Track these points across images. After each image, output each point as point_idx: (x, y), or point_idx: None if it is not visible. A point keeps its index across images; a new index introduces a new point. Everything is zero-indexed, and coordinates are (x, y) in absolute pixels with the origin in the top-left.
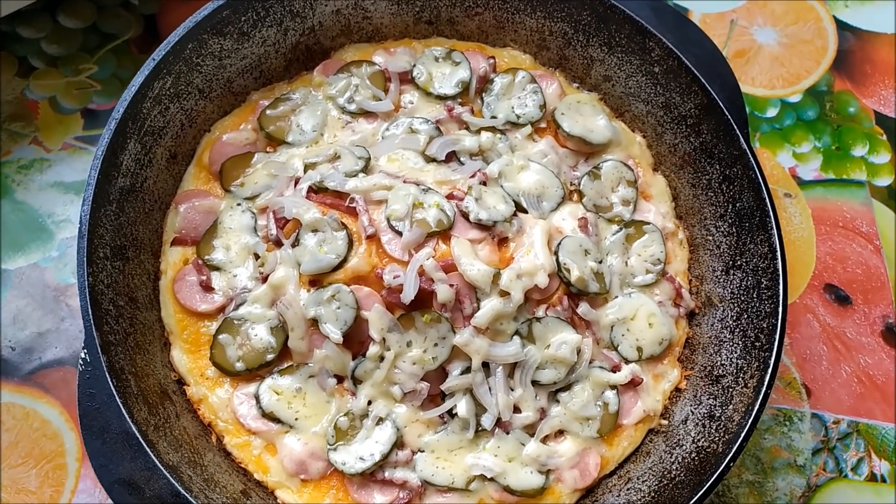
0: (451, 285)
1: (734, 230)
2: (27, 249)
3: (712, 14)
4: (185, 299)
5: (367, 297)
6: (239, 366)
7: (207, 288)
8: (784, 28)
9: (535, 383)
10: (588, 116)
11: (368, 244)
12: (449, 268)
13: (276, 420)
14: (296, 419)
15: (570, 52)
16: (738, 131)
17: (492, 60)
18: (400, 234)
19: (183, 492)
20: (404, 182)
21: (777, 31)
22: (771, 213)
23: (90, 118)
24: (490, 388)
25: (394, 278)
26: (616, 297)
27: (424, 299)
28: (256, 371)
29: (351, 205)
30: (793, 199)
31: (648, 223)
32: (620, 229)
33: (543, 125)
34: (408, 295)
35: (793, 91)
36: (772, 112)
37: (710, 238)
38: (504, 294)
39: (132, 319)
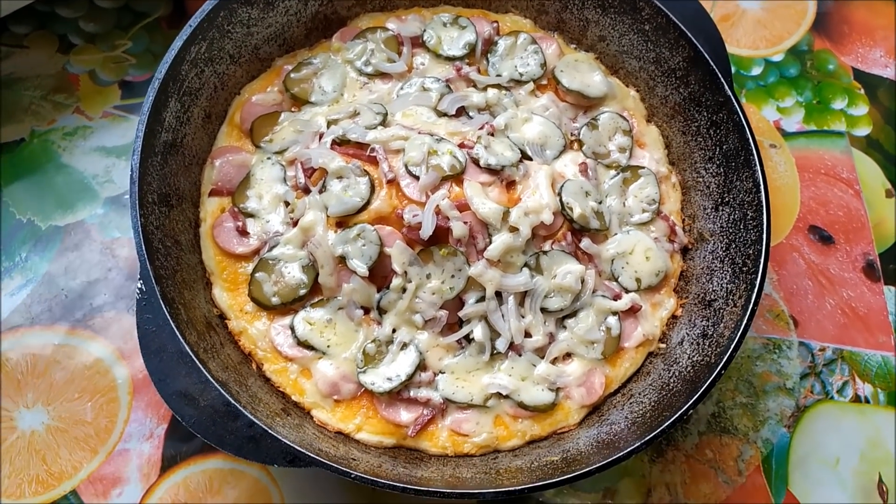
0: (465, 222)
1: (721, 170)
2: (75, 208)
3: None
4: (224, 243)
5: (389, 234)
6: (275, 300)
7: (243, 233)
8: None
9: (543, 310)
10: (585, 73)
11: (389, 188)
12: (463, 207)
13: (310, 347)
14: (328, 346)
15: (566, 16)
16: (722, 80)
17: (495, 24)
18: (417, 178)
19: (233, 401)
20: (419, 133)
21: None
22: (754, 152)
23: (127, 89)
24: (503, 315)
25: (413, 217)
26: (615, 234)
27: (441, 236)
28: (290, 305)
29: (371, 154)
30: (778, 150)
31: (643, 167)
32: (618, 174)
33: (544, 82)
34: (426, 231)
35: (775, 51)
36: (756, 70)
37: (700, 180)
38: (513, 230)
39: (178, 259)
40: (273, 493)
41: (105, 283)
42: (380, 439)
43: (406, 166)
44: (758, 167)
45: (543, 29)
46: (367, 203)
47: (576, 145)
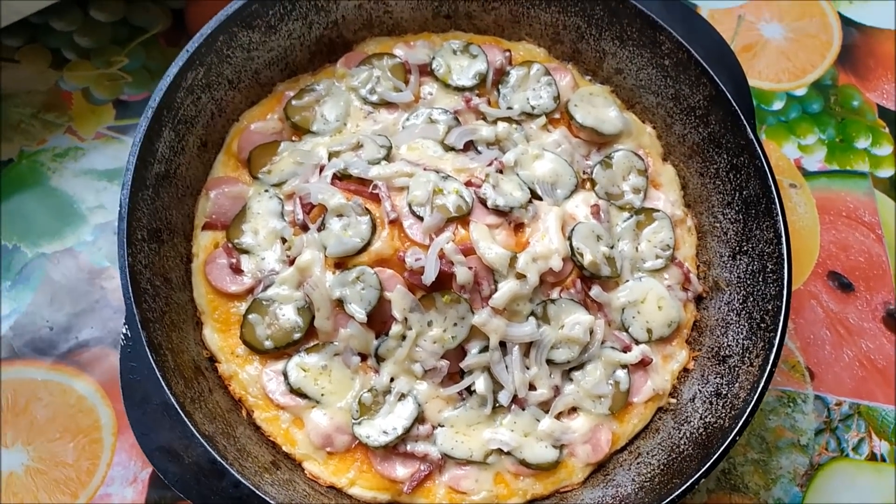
0: (470, 268)
1: (741, 217)
2: (62, 234)
3: (720, 10)
4: (216, 280)
5: (389, 278)
6: (268, 344)
7: (237, 270)
8: (790, 23)
9: (549, 362)
10: (600, 108)
11: (391, 228)
12: (468, 251)
13: (303, 395)
14: (322, 395)
15: (582, 46)
16: (744, 122)
17: (508, 53)
18: (421, 218)
19: (219, 459)
20: (424, 170)
21: (783, 26)
22: (776, 200)
23: (122, 108)
24: (507, 367)
25: (415, 261)
26: (627, 280)
27: (444, 281)
28: (284, 349)
29: (374, 191)
30: (798, 190)
31: (658, 210)
32: (631, 216)
33: (557, 116)
34: (429, 276)
35: (798, 85)
36: (778, 105)
37: (718, 225)
38: (520, 276)
39: (167, 299)
40: None
41: (92, 315)
42: (374, 495)
43: (410, 206)
44: (780, 217)
45: (558, 59)
46: (368, 244)
47: (588, 185)
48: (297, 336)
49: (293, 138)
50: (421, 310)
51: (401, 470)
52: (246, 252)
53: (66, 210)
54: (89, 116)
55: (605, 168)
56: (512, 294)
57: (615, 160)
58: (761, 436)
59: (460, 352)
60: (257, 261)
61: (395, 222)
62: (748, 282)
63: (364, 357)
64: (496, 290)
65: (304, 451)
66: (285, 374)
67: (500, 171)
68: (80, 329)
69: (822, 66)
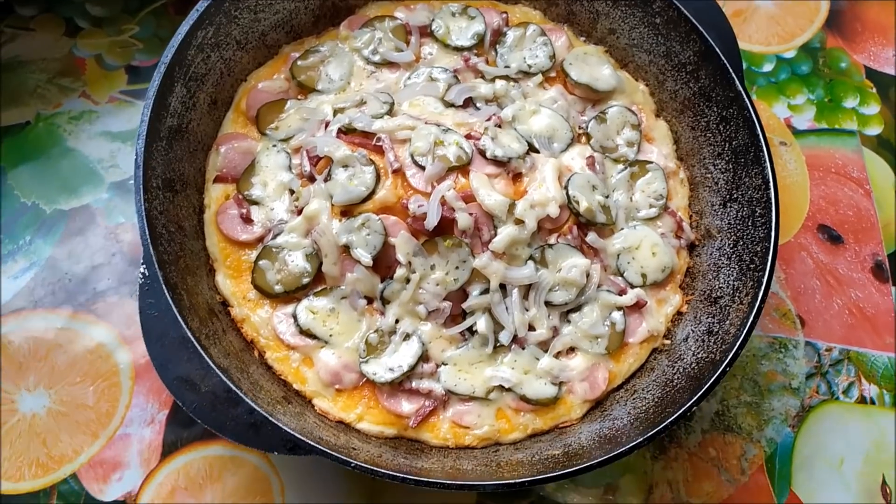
0: (471, 214)
1: (730, 166)
2: (79, 192)
3: None
4: (228, 230)
5: (393, 224)
6: (278, 288)
7: (247, 220)
8: None
9: (548, 304)
10: (594, 66)
11: (394, 178)
12: (468, 198)
13: (313, 336)
14: (330, 335)
15: (576, 8)
16: (733, 75)
17: (504, 15)
18: (423, 168)
19: (234, 388)
20: (426, 123)
21: None
22: (764, 148)
23: (133, 74)
24: (507, 308)
25: (418, 207)
26: (622, 228)
27: (446, 227)
28: (293, 293)
29: (377, 143)
30: (788, 147)
31: (651, 162)
32: (625, 168)
33: (553, 75)
34: (431, 222)
35: (787, 48)
36: (768, 67)
37: (709, 176)
38: (519, 222)
39: (182, 245)
40: (273, 482)
41: (109, 267)
42: (381, 429)
43: (412, 156)
44: (767, 164)
45: (553, 21)
46: (373, 192)
47: (584, 139)
48: (305, 281)
49: (299, 97)
50: (424, 254)
51: (406, 405)
52: (256, 203)
53: (83, 169)
54: (102, 81)
55: (600, 123)
56: (511, 238)
57: (609, 115)
58: (754, 380)
59: (462, 294)
60: (267, 211)
61: (399, 172)
62: (738, 227)
63: (370, 300)
64: (496, 234)
65: (313, 388)
66: (295, 317)
67: (499, 126)
68: (97, 280)
69: (811, 29)
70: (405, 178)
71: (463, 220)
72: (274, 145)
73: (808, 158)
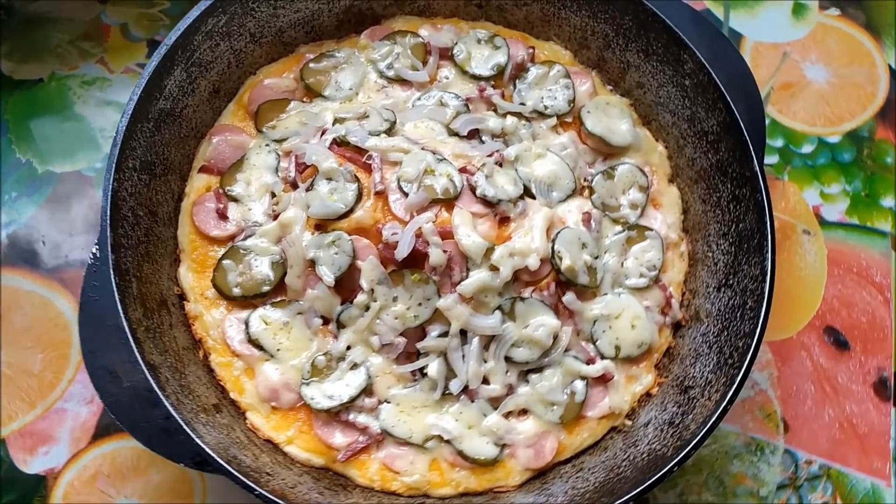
0: (445, 251)
1: (733, 249)
2: (75, 158)
3: (766, 43)
4: (201, 222)
5: (364, 248)
6: (236, 291)
7: (223, 216)
8: (836, 69)
9: (508, 359)
10: (613, 118)
11: (376, 199)
12: (446, 235)
13: (260, 347)
14: (277, 350)
15: (608, 55)
16: (753, 153)
17: (531, 50)
18: (407, 194)
19: (156, 388)
20: (422, 149)
21: (828, 70)
22: (769, 238)
23: (154, 48)
24: (463, 356)
25: (392, 235)
26: (605, 294)
27: (417, 260)
28: (251, 299)
29: (368, 161)
30: (811, 237)
31: (651, 229)
32: (623, 230)
33: (569, 120)
34: (401, 252)
35: (833, 132)
36: (807, 148)
37: (710, 255)
38: (494, 269)
39: (148, 230)
40: (196, 489)
41: (85, 238)
42: (308, 457)
43: (399, 181)
44: (769, 255)
45: (583, 64)
46: (351, 211)
47: (586, 192)
48: (265, 289)
49: (304, 99)
50: (389, 283)
51: (339, 437)
52: (235, 200)
53: (84, 135)
54: (122, 51)
55: (607, 178)
56: (481, 284)
57: (618, 172)
58: (721, 479)
59: (420, 332)
60: (244, 210)
61: (381, 194)
62: (727, 315)
63: (326, 321)
64: (467, 277)
65: (249, 400)
66: (247, 323)
67: (500, 164)
68: (71, 249)
69: (862, 116)
70: (387, 202)
71: (435, 256)
72: (267, 144)
73: (830, 253)
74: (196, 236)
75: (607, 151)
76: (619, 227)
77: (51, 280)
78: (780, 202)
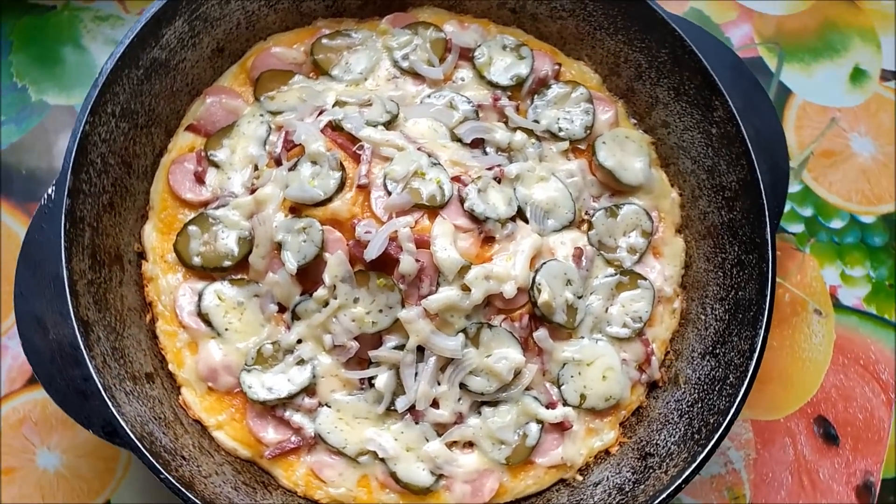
0: (418, 260)
1: (727, 317)
2: (71, 92)
3: (815, 105)
4: (176, 182)
5: (335, 241)
6: (196, 260)
7: (200, 180)
8: (884, 145)
9: (463, 386)
10: (629, 154)
11: (357, 193)
12: (422, 244)
13: (208, 323)
14: (226, 329)
15: (638, 86)
16: (767, 219)
17: (557, 66)
18: (390, 193)
19: (82, 346)
20: (419, 149)
21: (876, 145)
22: (765, 313)
23: None
24: (416, 374)
25: (365, 233)
26: (582, 337)
27: (387, 264)
28: (210, 271)
29: (358, 151)
30: (821, 319)
31: (645, 279)
32: (615, 274)
33: (582, 147)
34: (371, 252)
35: (868, 211)
36: (837, 223)
37: (703, 318)
38: (465, 289)
39: (118, 181)
40: (122, 458)
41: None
42: (235, 446)
43: (385, 177)
44: (762, 331)
45: (610, 91)
46: (329, 200)
47: (585, 226)
48: (226, 263)
49: (311, 75)
50: (353, 283)
51: (271, 433)
52: (216, 166)
53: (84, 71)
54: None
55: (609, 216)
56: (448, 302)
57: (622, 212)
58: None
59: (376, 340)
60: (223, 178)
61: (364, 188)
62: (705, 387)
63: (282, 309)
64: (435, 292)
65: (186, 375)
66: (200, 295)
67: (498, 180)
68: (47, 184)
69: None
70: (368, 197)
71: (406, 263)
72: (261, 115)
73: (838, 339)
74: (168, 195)
75: (616, 188)
76: (611, 270)
77: (20, 212)
78: (795, 275)
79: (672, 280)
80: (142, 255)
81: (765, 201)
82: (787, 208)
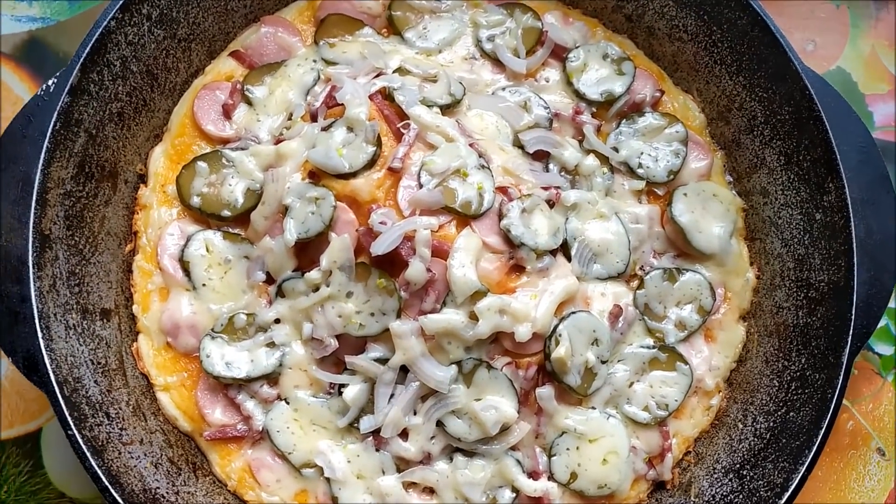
0: (429, 270)
1: (768, 436)
2: None
3: None
4: (200, 109)
5: (345, 223)
6: (195, 200)
7: (227, 114)
8: None
9: (440, 424)
10: (710, 215)
11: (386, 175)
12: (440, 252)
13: (187, 272)
14: (203, 284)
15: (746, 140)
16: (849, 339)
17: (658, 94)
18: (422, 187)
19: (30, 262)
20: (471, 146)
21: None
22: (814, 449)
23: None
24: (392, 395)
25: (380, 223)
26: (593, 408)
27: (394, 264)
28: (207, 216)
29: (402, 129)
30: (883, 460)
31: (686, 363)
32: (653, 347)
33: (660, 192)
34: (379, 246)
35: None
36: None
37: (741, 427)
38: (473, 317)
39: (135, 91)
40: None
41: None
42: (177, 415)
43: (422, 167)
44: (804, 468)
45: (712, 138)
46: (353, 175)
47: (635, 282)
48: (225, 213)
49: (382, 32)
50: (351, 274)
51: (217, 413)
52: (249, 103)
53: None
54: None
55: (666, 279)
56: (449, 326)
57: (683, 279)
58: None
59: (359, 345)
60: (251, 118)
61: (395, 173)
62: None
63: (270, 281)
64: (438, 311)
65: (148, 323)
66: (188, 240)
67: (551, 203)
68: None
69: None
70: (397, 183)
71: (415, 270)
72: (314, 60)
73: None
74: (189, 121)
75: (684, 249)
76: (650, 341)
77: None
78: (868, 402)
79: (718, 373)
80: (142, 179)
81: (853, 316)
82: (881, 323)
